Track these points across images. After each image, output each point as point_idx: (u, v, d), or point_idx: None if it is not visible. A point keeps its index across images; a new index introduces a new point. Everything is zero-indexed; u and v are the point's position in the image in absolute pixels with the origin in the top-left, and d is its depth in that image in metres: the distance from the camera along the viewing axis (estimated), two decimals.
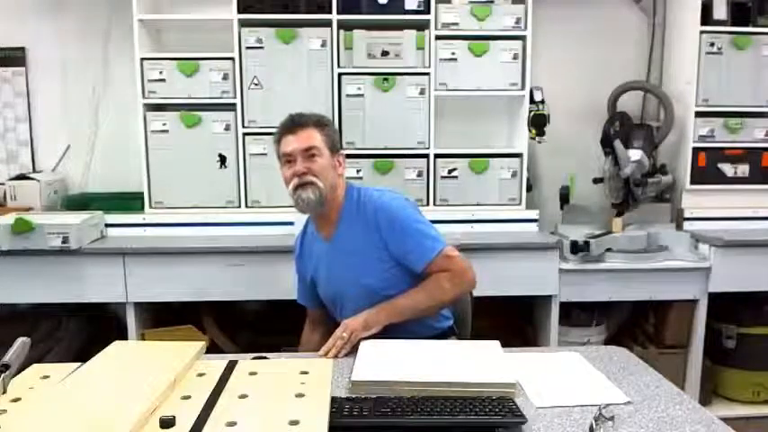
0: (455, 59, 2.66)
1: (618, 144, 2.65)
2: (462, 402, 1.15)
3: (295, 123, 1.65)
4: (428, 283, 1.63)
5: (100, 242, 2.54)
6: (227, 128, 2.66)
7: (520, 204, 2.76)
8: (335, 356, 1.48)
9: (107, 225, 2.64)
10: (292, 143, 1.63)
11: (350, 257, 1.67)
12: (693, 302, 2.59)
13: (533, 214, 2.74)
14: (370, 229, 1.64)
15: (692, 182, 2.79)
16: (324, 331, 1.75)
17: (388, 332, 1.58)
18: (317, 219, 1.75)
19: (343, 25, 2.61)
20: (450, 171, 2.73)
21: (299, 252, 1.85)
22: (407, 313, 1.60)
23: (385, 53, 2.63)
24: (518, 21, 2.65)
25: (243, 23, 2.61)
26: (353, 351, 1.47)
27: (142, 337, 2.50)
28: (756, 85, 2.76)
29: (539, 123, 2.66)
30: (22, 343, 1.16)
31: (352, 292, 1.67)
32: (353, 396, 1.23)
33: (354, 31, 2.62)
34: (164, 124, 2.64)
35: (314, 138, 1.63)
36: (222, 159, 2.68)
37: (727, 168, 2.79)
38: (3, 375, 1.09)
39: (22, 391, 1.12)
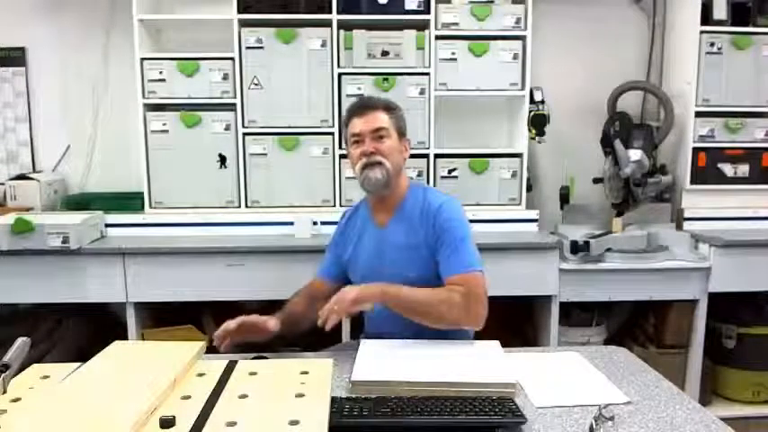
0: (455, 59, 2.66)
1: (618, 144, 2.65)
2: (462, 402, 1.16)
3: (365, 105, 1.68)
4: (442, 290, 1.56)
5: (100, 242, 2.54)
6: (227, 128, 2.66)
7: (520, 204, 2.77)
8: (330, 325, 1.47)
9: (107, 225, 2.64)
10: (362, 124, 1.65)
11: (402, 251, 1.65)
12: (693, 302, 2.59)
13: (533, 214, 2.74)
14: (427, 225, 1.63)
15: (692, 182, 2.79)
16: (311, 304, 1.72)
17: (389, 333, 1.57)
18: (376, 202, 1.74)
19: (343, 25, 2.61)
20: (450, 171, 2.73)
21: (343, 228, 1.83)
22: (406, 305, 1.53)
23: (385, 53, 2.63)
24: (518, 21, 2.65)
25: (243, 23, 2.61)
26: (354, 351, 1.46)
27: (142, 337, 2.50)
28: (756, 85, 2.76)
29: (539, 123, 2.67)
30: (22, 343, 1.16)
31: (394, 284, 1.63)
32: (353, 396, 1.24)
33: (354, 31, 2.62)
34: (164, 124, 2.65)
35: (383, 119, 1.65)
36: (222, 159, 2.68)
37: (728, 168, 2.79)
38: (3, 375, 1.09)
39: (22, 391, 1.12)
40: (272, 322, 1.53)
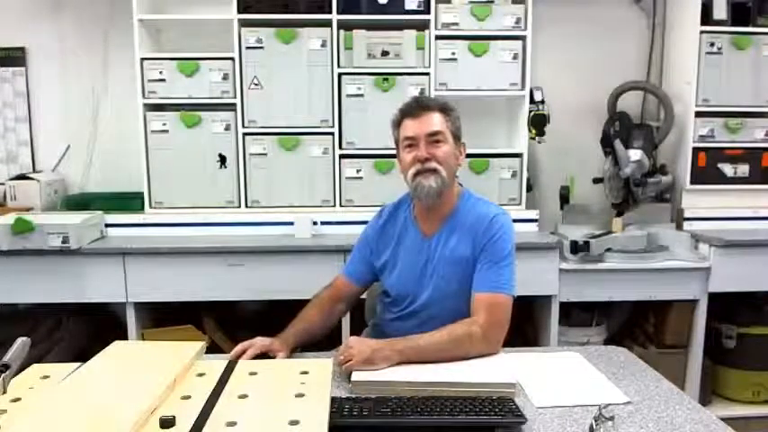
0: (455, 59, 2.66)
1: (618, 144, 2.65)
2: (462, 402, 1.16)
3: (420, 106, 1.56)
4: (461, 327, 1.44)
5: (100, 242, 2.54)
6: (227, 128, 2.66)
7: (520, 204, 2.76)
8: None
9: (107, 225, 2.64)
10: (416, 127, 1.53)
11: (449, 265, 1.57)
12: (693, 302, 2.59)
13: (533, 214, 2.74)
14: (476, 239, 1.55)
15: (692, 182, 2.79)
16: (329, 311, 1.67)
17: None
18: (423, 210, 1.62)
19: (343, 25, 2.61)
20: None
21: (380, 229, 1.70)
22: (427, 355, 1.39)
23: (385, 53, 2.63)
24: (518, 21, 2.65)
25: (243, 23, 2.61)
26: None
27: (142, 337, 2.50)
28: (756, 85, 2.76)
29: (539, 123, 2.66)
30: (22, 343, 1.16)
31: (433, 295, 1.59)
32: (353, 396, 1.24)
33: (354, 31, 2.62)
34: (164, 124, 2.65)
35: (439, 122, 1.54)
36: (222, 159, 2.68)
37: (727, 168, 2.79)
38: (3, 375, 1.09)
39: (22, 391, 1.12)
40: (281, 355, 1.46)
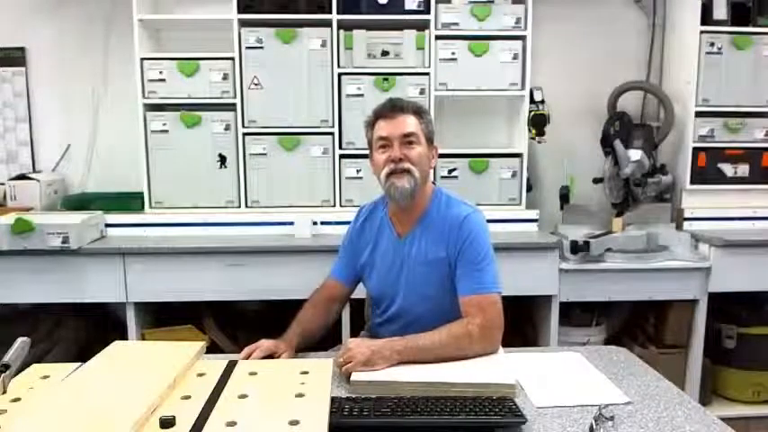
0: (455, 59, 2.66)
1: (618, 144, 2.66)
2: (462, 402, 1.16)
3: (395, 108, 1.57)
4: (458, 326, 1.44)
5: (100, 242, 2.54)
6: (227, 128, 2.66)
7: (520, 204, 2.77)
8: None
9: (107, 225, 2.64)
10: (390, 127, 1.55)
11: (422, 266, 1.58)
12: (693, 302, 2.59)
13: (533, 214, 2.74)
14: (450, 240, 1.55)
15: (692, 182, 2.79)
16: (326, 312, 1.68)
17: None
18: (397, 211, 1.64)
19: (343, 25, 2.61)
20: (450, 171, 2.73)
21: (359, 229, 1.72)
22: (426, 354, 1.39)
23: (385, 53, 2.64)
24: (518, 21, 2.65)
25: (243, 23, 2.61)
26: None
27: (142, 337, 2.50)
28: (756, 85, 2.76)
29: (539, 123, 2.67)
30: (22, 343, 1.16)
31: (409, 298, 1.60)
32: (353, 396, 1.24)
33: (354, 31, 2.62)
34: (164, 124, 2.65)
35: (413, 124, 1.56)
36: (222, 159, 2.68)
37: (727, 168, 2.79)
38: (3, 375, 1.09)
39: (22, 391, 1.12)
40: (286, 355, 1.47)
